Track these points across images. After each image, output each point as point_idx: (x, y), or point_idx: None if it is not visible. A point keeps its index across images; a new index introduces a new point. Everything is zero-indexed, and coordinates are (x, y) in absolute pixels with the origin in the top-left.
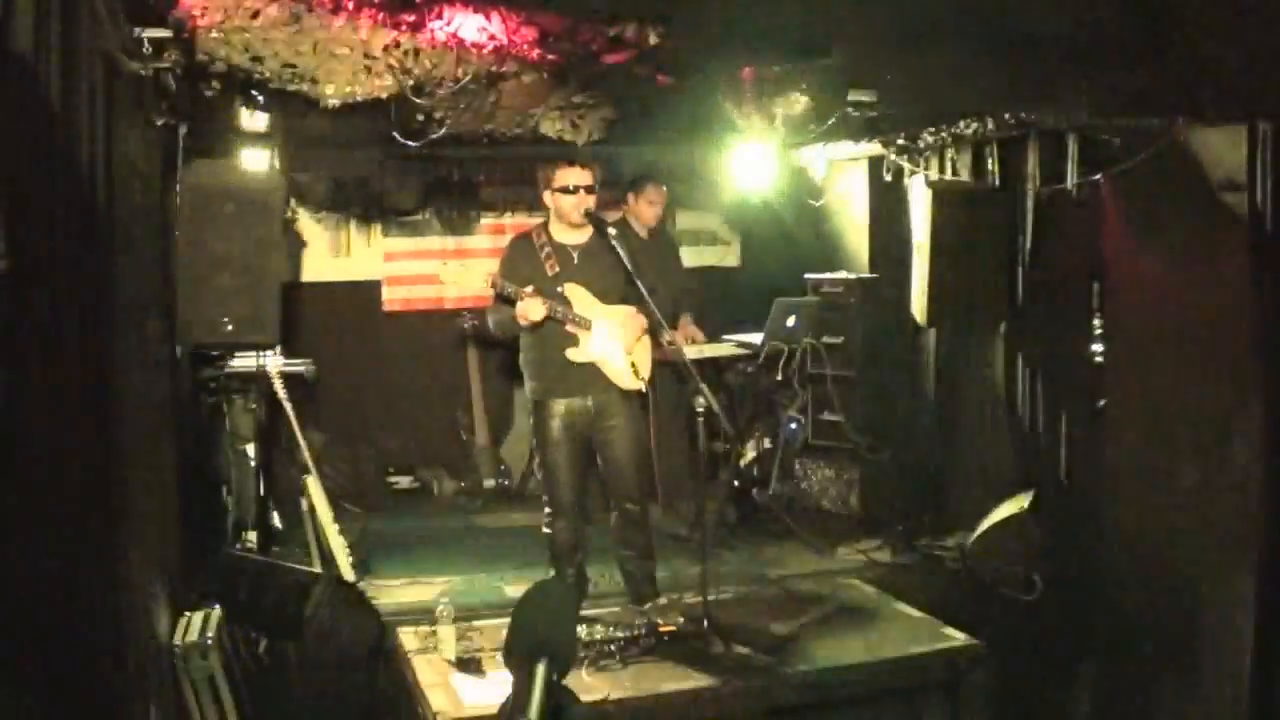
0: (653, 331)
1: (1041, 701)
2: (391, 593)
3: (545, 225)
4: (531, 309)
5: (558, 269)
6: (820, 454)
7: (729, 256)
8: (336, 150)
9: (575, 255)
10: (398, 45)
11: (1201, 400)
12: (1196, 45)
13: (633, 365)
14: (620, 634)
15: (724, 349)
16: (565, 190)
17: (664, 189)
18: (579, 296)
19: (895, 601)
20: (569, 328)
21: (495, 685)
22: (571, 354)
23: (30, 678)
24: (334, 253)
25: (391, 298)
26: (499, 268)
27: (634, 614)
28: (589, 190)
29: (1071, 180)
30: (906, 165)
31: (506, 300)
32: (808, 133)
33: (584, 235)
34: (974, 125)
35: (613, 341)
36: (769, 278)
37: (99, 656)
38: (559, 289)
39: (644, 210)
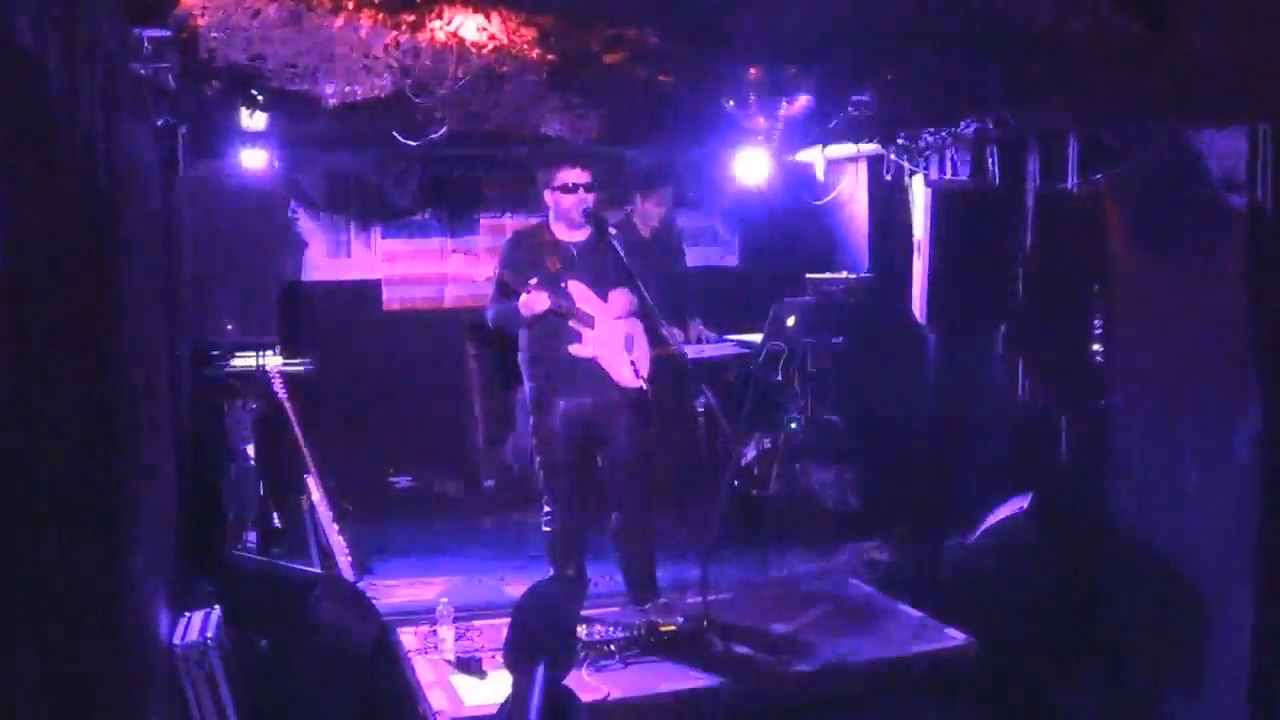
0: (652, 331)
1: (1041, 702)
2: (391, 593)
3: (546, 223)
4: (535, 302)
5: (559, 265)
6: (820, 454)
7: (729, 256)
8: (336, 150)
9: (576, 253)
10: (398, 45)
11: (1202, 400)
12: (1196, 45)
13: (633, 364)
14: (620, 634)
15: (724, 349)
16: (565, 189)
17: (669, 190)
18: (581, 294)
19: (895, 601)
20: (571, 324)
21: (495, 685)
22: (574, 349)
23: (31, 677)
24: (334, 253)
25: (391, 298)
26: (500, 262)
27: (634, 614)
28: (588, 189)
29: (1071, 180)
30: (906, 165)
31: (509, 294)
32: (808, 133)
33: (584, 233)
34: (974, 125)
35: (614, 339)
36: (769, 278)
37: (99, 656)
38: (561, 285)
39: (651, 212)
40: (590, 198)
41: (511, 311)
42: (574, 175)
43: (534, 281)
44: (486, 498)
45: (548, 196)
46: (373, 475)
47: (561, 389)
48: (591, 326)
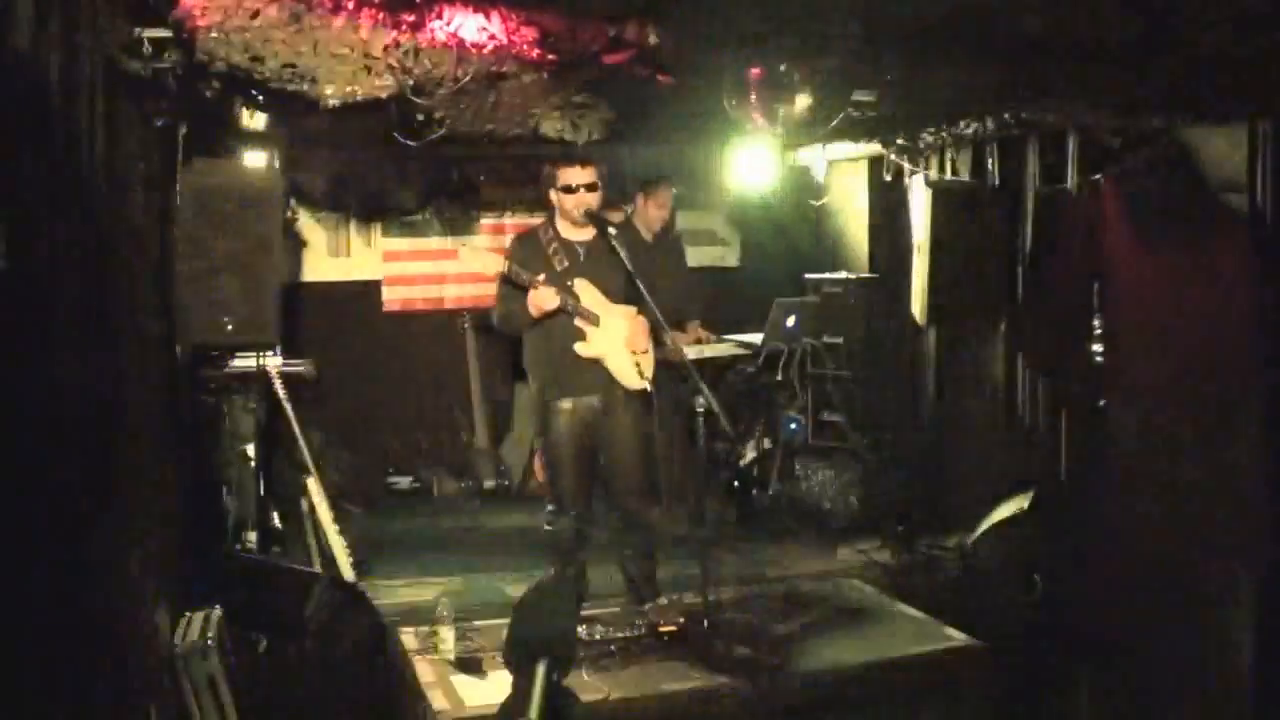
0: (655, 332)
1: (1041, 702)
2: (391, 593)
3: (552, 222)
4: (544, 299)
5: (566, 264)
6: (820, 454)
7: (729, 256)
8: (336, 150)
9: (582, 252)
10: (398, 45)
11: (1201, 400)
12: (1197, 45)
13: (637, 365)
14: (620, 634)
15: (724, 349)
16: (567, 189)
17: (673, 191)
18: (587, 293)
19: (895, 601)
20: (577, 322)
21: (495, 685)
22: (579, 348)
23: (31, 678)
24: (334, 253)
25: (391, 298)
26: (507, 259)
27: (634, 614)
28: (590, 189)
29: (1071, 180)
30: (906, 165)
31: (517, 289)
32: (809, 133)
33: (589, 233)
34: (974, 125)
35: (619, 339)
36: (769, 278)
37: (99, 657)
38: (568, 284)
39: (652, 212)
40: (592, 198)
41: (519, 310)
42: (576, 175)
43: (541, 278)
44: (486, 498)
45: (552, 196)
46: (373, 475)
47: (566, 388)
48: (597, 325)
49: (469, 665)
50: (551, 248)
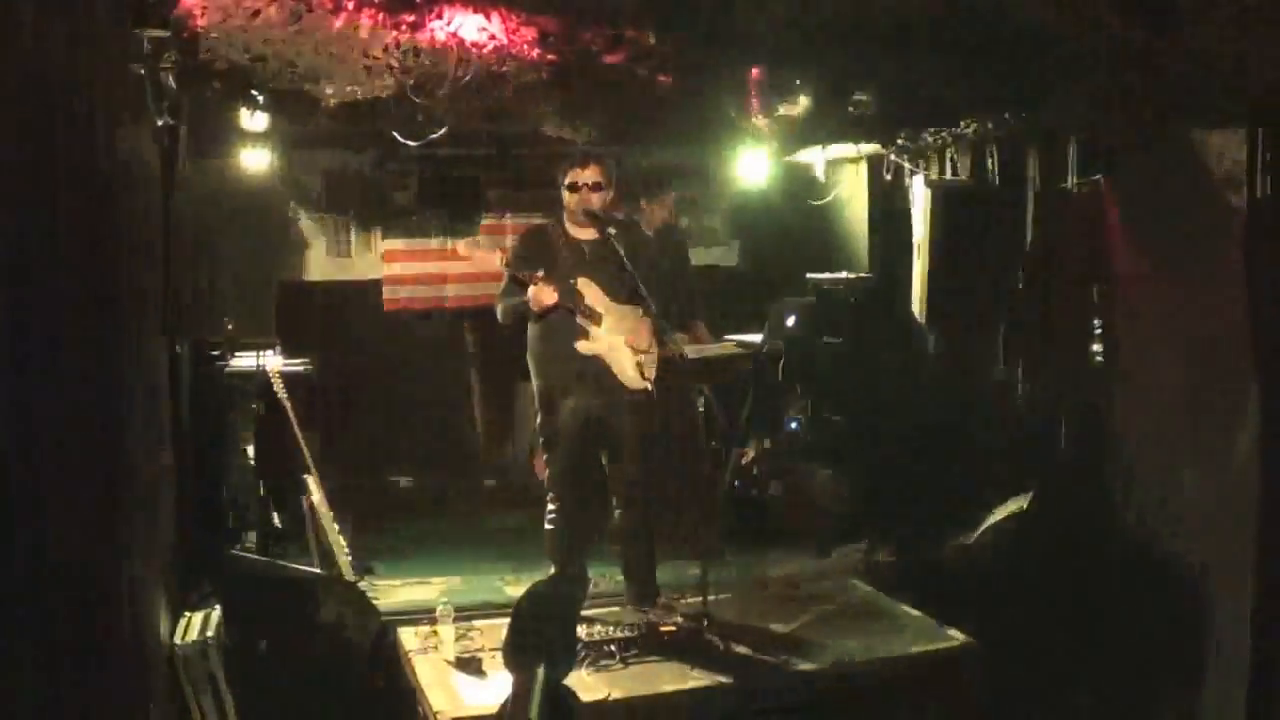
0: (656, 332)
1: (1041, 701)
2: (391, 593)
3: (561, 219)
4: (543, 295)
5: (571, 262)
6: (820, 454)
7: (729, 256)
8: (336, 150)
9: (587, 251)
10: (398, 45)
11: (1202, 400)
12: (1196, 45)
13: (639, 364)
14: (620, 634)
15: (724, 349)
16: (571, 187)
17: (674, 195)
18: (590, 291)
19: (895, 601)
20: (579, 320)
21: (495, 685)
22: (581, 346)
23: (30, 677)
24: (334, 253)
25: (391, 298)
26: (512, 256)
27: (634, 614)
28: (594, 189)
29: (1071, 180)
30: (906, 165)
31: (520, 284)
32: (809, 133)
33: (594, 232)
34: (974, 125)
35: (621, 338)
36: (769, 278)
37: (99, 656)
38: (571, 281)
39: (655, 213)
40: (596, 197)
41: (521, 305)
42: (579, 174)
43: (541, 274)
44: (486, 498)
45: (562, 194)
46: (373, 475)
47: (569, 388)
48: (599, 324)
49: (469, 665)
50: (558, 244)
